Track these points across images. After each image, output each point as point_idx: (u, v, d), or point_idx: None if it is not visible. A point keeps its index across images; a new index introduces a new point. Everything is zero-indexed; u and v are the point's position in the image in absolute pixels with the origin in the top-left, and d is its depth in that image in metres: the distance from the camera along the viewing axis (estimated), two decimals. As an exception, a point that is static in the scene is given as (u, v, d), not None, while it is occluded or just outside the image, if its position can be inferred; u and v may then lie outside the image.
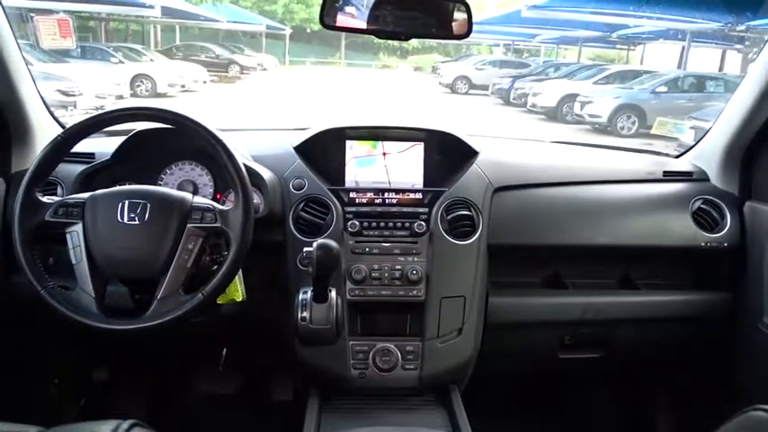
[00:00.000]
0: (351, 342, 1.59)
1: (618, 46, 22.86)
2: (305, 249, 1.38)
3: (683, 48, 16.43)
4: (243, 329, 1.87)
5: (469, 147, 1.79)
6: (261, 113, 11.25)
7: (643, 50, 22.50)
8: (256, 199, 1.55)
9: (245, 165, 1.43)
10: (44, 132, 1.77)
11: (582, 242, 1.79)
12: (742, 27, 13.15)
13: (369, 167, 1.74)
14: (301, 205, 1.66)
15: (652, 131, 10.37)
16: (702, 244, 1.81)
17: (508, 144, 2.14)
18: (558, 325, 1.85)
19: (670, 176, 1.94)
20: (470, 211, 1.70)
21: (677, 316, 1.87)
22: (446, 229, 1.67)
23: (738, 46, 16.39)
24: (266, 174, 1.62)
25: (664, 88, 12.58)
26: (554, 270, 1.90)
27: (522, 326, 1.82)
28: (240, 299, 1.51)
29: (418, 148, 1.75)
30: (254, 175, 1.54)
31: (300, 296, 1.42)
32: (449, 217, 1.68)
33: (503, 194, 1.77)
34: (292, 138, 1.79)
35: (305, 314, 1.39)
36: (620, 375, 2.20)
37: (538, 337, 1.88)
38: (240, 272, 1.48)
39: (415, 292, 1.62)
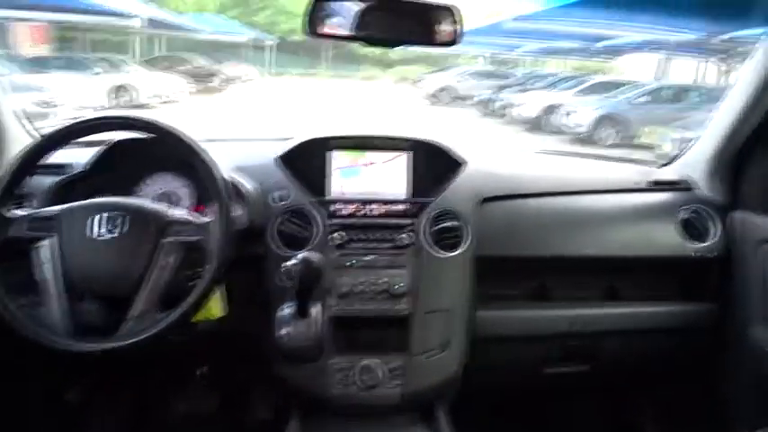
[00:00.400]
0: (333, 359, 1.55)
1: (599, 56, 23.11)
2: (287, 263, 1.34)
3: (664, 58, 16.66)
4: (223, 346, 1.81)
5: (456, 157, 1.76)
6: (244, 124, 11.20)
7: (624, 61, 22.76)
8: (238, 211, 1.51)
9: (226, 176, 1.38)
10: (15, 143, 1.71)
11: (569, 253, 1.77)
12: (724, 38, 13.34)
13: (353, 178, 1.70)
14: (284, 217, 1.61)
15: (639, 141, 10.48)
16: (690, 254, 1.79)
17: (495, 154, 2.12)
18: (545, 338, 1.83)
19: (657, 186, 1.92)
20: (457, 222, 1.66)
21: (663, 327, 1.85)
22: (432, 241, 1.63)
23: (719, 57, 16.63)
24: (248, 185, 1.58)
25: (645, 98, 12.75)
26: (541, 282, 1.87)
27: (509, 339, 1.79)
28: (220, 314, 1.47)
29: (404, 159, 1.72)
30: (235, 186, 1.50)
31: (282, 312, 1.37)
32: (435, 228, 1.65)
33: (490, 205, 1.74)
34: (275, 148, 1.75)
35: (286, 330, 1.35)
36: (607, 388, 2.18)
37: (525, 351, 1.85)
38: (222, 286, 1.44)
39: (400, 307, 1.58)
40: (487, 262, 1.69)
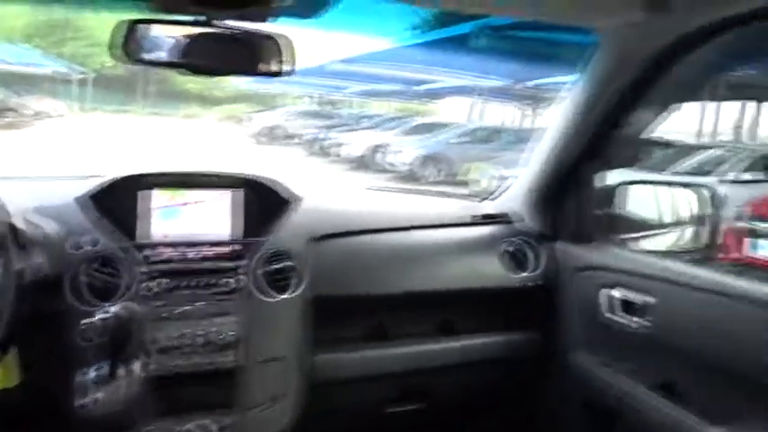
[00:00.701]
0: (151, 425, 1.37)
1: (421, 99, 24.48)
2: (94, 318, 1.15)
3: (479, 102, 18.11)
4: (14, 420, 1.54)
5: (288, 194, 1.67)
6: (48, 163, 10.17)
7: (444, 104, 24.33)
8: (33, 259, 1.28)
9: (19, 218, 1.17)
10: None
11: (403, 289, 1.75)
12: (528, 85, 14.81)
13: (175, 219, 1.53)
14: (90, 265, 1.40)
15: (461, 178, 11.16)
16: (513, 284, 1.86)
17: (328, 191, 2.08)
18: (384, 377, 1.79)
19: (483, 219, 1.98)
20: (291, 262, 1.57)
21: (492, 358, 1.89)
22: (264, 284, 1.52)
23: (525, 102, 18.47)
24: (47, 228, 1.35)
25: (464, 139, 13.69)
26: (379, 320, 1.84)
27: (349, 382, 1.73)
28: (11, 384, 1.24)
29: (232, 197, 1.58)
30: (30, 230, 1.27)
31: (86, 375, 1.19)
32: (267, 270, 1.54)
33: (325, 243, 1.67)
34: (82, 186, 1.53)
35: (92, 396, 1.16)
36: (443, 424, 2.18)
37: (366, 393, 1.80)
38: (14, 350, 1.22)
39: (228, 358, 1.45)
40: (324, 302, 1.62)
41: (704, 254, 1.86)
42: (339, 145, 15.19)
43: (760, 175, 8.56)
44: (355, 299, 1.73)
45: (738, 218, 5.99)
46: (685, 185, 2.06)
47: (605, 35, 1.60)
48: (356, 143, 14.63)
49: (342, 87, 24.00)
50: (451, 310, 1.91)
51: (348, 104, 27.95)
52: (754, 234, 5.98)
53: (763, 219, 5.98)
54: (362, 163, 14.11)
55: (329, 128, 16.92)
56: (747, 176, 8.52)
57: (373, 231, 1.79)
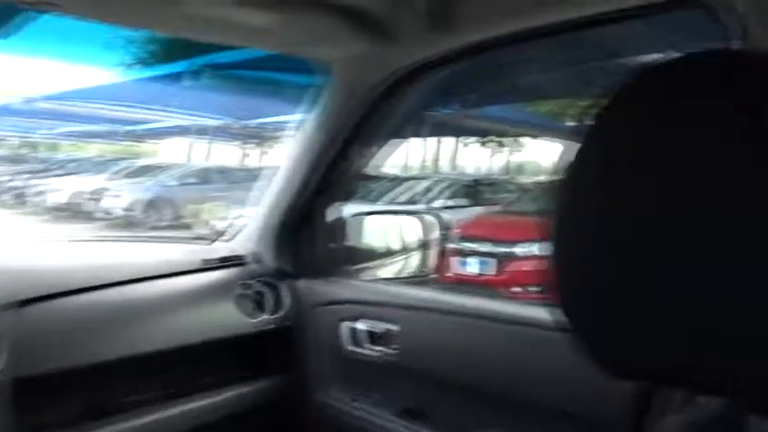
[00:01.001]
0: None
1: (142, 140, 23.17)
2: None
3: (204, 141, 17.87)
4: None
5: None
6: None
7: (167, 144, 23.34)
8: None
9: None
10: None
11: (126, 354, 1.54)
12: (250, 123, 15.04)
13: None
14: None
15: (191, 219, 10.76)
16: (255, 329, 1.76)
17: (26, 248, 1.81)
18: None
19: (215, 263, 1.85)
20: None
21: (239, 412, 1.76)
22: None
23: (250, 140, 18.73)
24: None
25: (191, 179, 13.39)
26: (100, 393, 1.57)
27: None
28: None
29: None
30: None
31: None
32: None
33: (24, 311, 1.39)
34: None
35: None
36: None
37: None
38: None
39: None
40: (28, 383, 1.34)
41: (428, 276, 1.98)
42: (41, 193, 13.66)
43: (462, 201, 9.93)
44: (68, 372, 1.45)
45: (449, 240, 6.78)
46: (411, 213, 2.20)
47: (333, 68, 1.62)
48: (63, 190, 13.37)
49: (45, 128, 21.61)
50: (187, 368, 1.71)
51: (53, 147, 25.15)
52: (462, 253, 6.83)
53: (468, 239, 6.89)
54: (71, 211, 12.88)
55: (29, 174, 15.12)
56: (452, 203, 9.81)
57: (85, 290, 1.53)
